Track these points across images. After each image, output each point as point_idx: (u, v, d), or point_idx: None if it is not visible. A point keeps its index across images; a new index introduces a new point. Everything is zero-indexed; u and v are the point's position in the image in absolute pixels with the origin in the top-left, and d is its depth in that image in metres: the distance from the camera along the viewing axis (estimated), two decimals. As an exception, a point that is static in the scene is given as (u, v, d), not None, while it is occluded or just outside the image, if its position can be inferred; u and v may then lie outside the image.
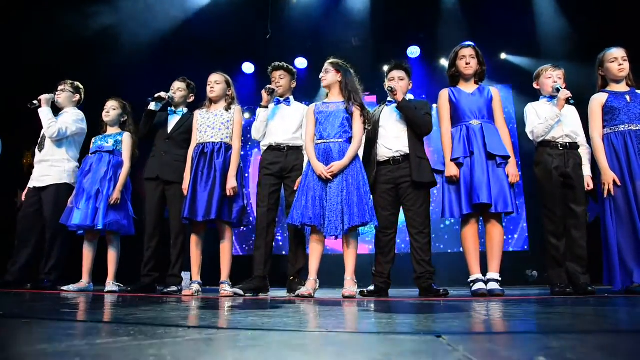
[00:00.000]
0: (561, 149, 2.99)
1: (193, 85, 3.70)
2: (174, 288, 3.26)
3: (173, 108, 3.60)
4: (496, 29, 6.20)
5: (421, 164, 3.00)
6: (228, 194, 3.01)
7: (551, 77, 3.12)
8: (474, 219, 2.89)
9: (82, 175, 3.50)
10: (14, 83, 5.14)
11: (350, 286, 2.70)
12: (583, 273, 2.86)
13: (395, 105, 3.09)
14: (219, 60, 6.13)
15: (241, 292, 2.99)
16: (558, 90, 3.01)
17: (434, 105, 3.32)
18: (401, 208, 3.09)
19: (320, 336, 0.94)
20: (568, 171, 2.95)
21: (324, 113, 2.89)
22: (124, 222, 3.51)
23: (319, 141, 2.86)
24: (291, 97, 3.44)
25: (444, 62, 6.69)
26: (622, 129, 2.93)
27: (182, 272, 3.40)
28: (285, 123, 3.31)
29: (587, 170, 3.09)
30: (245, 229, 5.60)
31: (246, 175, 5.39)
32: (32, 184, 3.72)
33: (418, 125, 3.04)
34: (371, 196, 2.85)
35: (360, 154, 2.96)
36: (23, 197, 3.75)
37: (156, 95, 3.45)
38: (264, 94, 3.24)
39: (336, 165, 2.72)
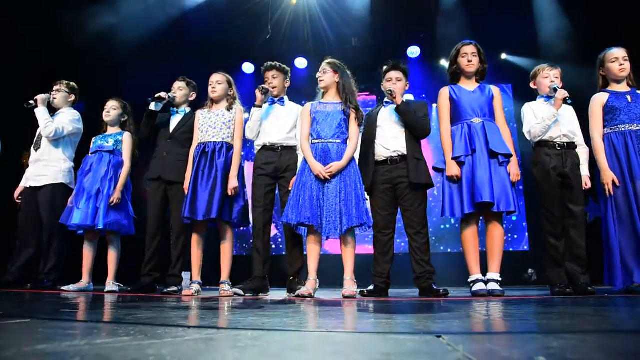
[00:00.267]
0: (559, 149, 2.98)
1: (194, 84, 3.70)
2: (174, 288, 3.27)
3: (175, 108, 3.60)
4: (496, 29, 6.18)
5: (418, 165, 2.99)
6: (229, 193, 3.01)
7: (548, 76, 3.11)
8: (475, 218, 2.87)
9: (83, 175, 3.50)
10: (14, 83, 5.14)
11: (350, 286, 2.70)
12: (583, 273, 2.85)
13: (393, 106, 3.09)
14: (219, 60, 6.12)
15: (241, 292, 2.99)
16: (555, 90, 3.00)
17: (434, 105, 3.31)
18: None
19: (320, 336, 0.94)
20: (566, 171, 2.94)
21: (321, 113, 2.89)
22: (125, 222, 3.51)
23: (316, 141, 2.86)
24: (285, 97, 3.43)
25: (444, 62, 6.69)
26: (623, 129, 2.92)
27: (182, 272, 3.41)
28: (280, 123, 3.30)
29: (584, 170, 3.07)
30: (245, 229, 5.60)
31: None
32: (27, 183, 3.71)
33: (416, 128, 3.04)
34: (367, 197, 2.86)
35: (356, 155, 2.97)
36: (16, 195, 3.74)
37: (156, 96, 3.45)
38: (258, 93, 3.23)
39: (335, 166, 2.72)
